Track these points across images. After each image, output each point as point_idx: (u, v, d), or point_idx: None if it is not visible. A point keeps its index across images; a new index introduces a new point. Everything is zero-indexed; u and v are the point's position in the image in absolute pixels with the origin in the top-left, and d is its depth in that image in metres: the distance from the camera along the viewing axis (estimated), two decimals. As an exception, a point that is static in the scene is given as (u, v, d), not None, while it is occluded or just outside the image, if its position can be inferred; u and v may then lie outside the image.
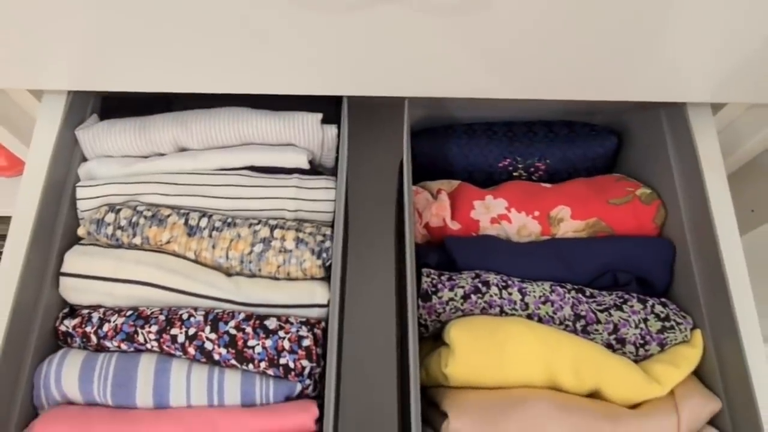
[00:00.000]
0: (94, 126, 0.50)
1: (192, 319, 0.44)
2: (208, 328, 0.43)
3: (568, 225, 0.52)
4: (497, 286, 0.49)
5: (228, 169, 0.50)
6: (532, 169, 0.56)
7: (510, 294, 0.49)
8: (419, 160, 0.58)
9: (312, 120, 0.50)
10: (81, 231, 0.48)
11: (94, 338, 0.44)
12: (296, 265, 0.46)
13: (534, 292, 0.49)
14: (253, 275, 0.47)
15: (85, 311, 0.46)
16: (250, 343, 0.43)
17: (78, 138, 0.49)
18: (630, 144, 0.58)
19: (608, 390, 0.44)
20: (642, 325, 0.46)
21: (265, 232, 0.47)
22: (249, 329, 0.43)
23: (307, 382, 0.44)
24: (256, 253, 0.46)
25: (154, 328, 0.43)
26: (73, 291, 0.46)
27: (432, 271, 0.50)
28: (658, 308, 0.47)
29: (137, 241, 0.47)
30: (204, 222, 0.47)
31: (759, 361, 0.43)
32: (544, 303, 0.48)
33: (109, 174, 0.49)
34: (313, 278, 0.48)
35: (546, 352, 0.44)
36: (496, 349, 0.44)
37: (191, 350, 0.43)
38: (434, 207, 0.53)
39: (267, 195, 0.49)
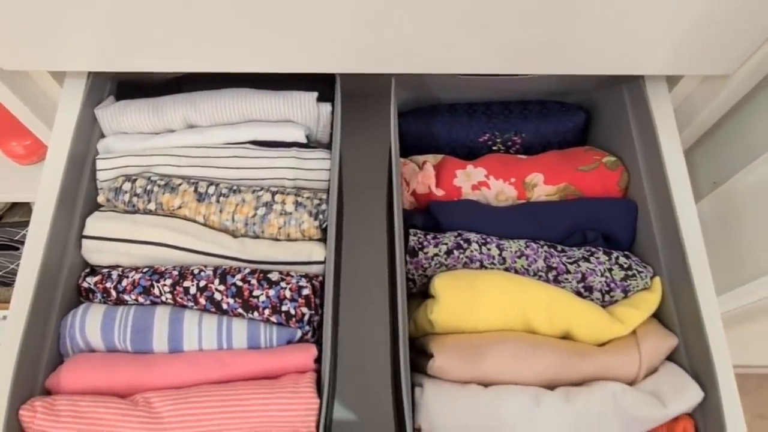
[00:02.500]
0: (111, 106, 0.55)
1: (202, 273, 0.49)
2: (217, 281, 0.48)
3: (541, 189, 0.57)
4: (477, 243, 0.54)
5: (233, 144, 0.55)
6: (509, 143, 0.62)
7: (489, 250, 0.54)
8: (407, 137, 0.63)
9: (308, 98, 0.55)
10: (101, 198, 0.53)
11: (113, 293, 0.49)
12: (296, 227, 0.51)
13: (510, 247, 0.54)
14: (256, 236, 0.52)
15: (105, 270, 0.51)
16: (255, 293, 0.48)
17: (97, 116, 0.55)
18: (598, 120, 0.64)
19: (577, 331, 0.49)
20: (607, 274, 0.51)
21: (267, 197, 0.52)
22: (254, 281, 0.48)
23: (307, 328, 0.48)
24: (259, 216, 0.51)
25: (168, 282, 0.48)
26: (95, 252, 0.51)
27: (418, 231, 0.55)
28: (622, 259, 0.52)
29: (152, 207, 0.52)
30: (212, 189, 0.52)
31: (709, 303, 0.48)
32: (519, 257, 0.53)
33: (125, 148, 0.54)
34: (311, 239, 0.53)
35: (521, 298, 0.49)
36: (477, 296, 0.49)
37: (202, 301, 0.48)
38: (420, 176, 0.58)
39: (268, 165, 0.54)
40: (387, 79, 0.54)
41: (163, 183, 0.52)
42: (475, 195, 0.58)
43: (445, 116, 0.62)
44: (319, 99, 0.56)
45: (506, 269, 0.52)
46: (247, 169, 0.54)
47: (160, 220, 0.51)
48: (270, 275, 0.49)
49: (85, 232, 0.51)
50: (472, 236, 0.55)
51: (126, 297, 0.49)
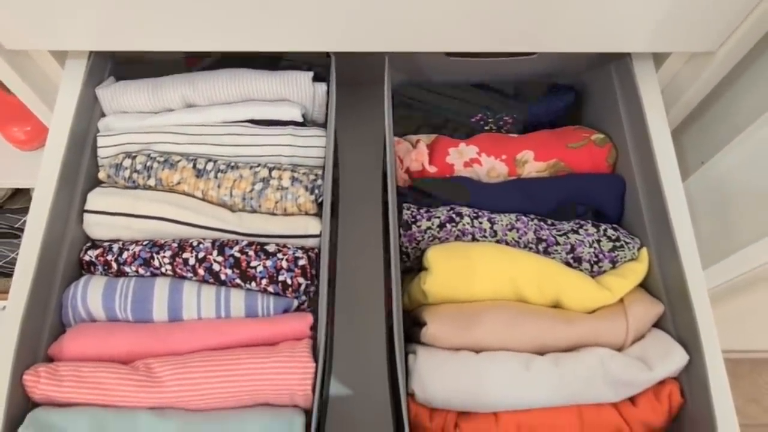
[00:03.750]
0: (112, 86, 0.56)
1: (201, 245, 0.50)
2: (215, 252, 0.49)
3: (532, 166, 0.58)
4: (469, 216, 0.55)
5: (230, 122, 0.56)
6: (501, 123, 0.63)
7: (480, 223, 0.55)
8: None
9: (304, 78, 0.57)
10: (101, 175, 0.54)
11: (114, 265, 0.50)
12: (292, 201, 0.53)
13: (501, 221, 0.55)
14: (254, 211, 0.54)
15: (106, 243, 0.52)
16: (253, 263, 0.49)
17: (98, 96, 0.56)
18: (588, 100, 0.65)
19: (566, 299, 0.50)
20: (595, 245, 0.52)
21: (264, 173, 0.53)
22: (251, 252, 0.49)
23: (303, 298, 0.50)
24: (256, 191, 0.53)
25: (168, 253, 0.50)
26: (96, 226, 0.52)
27: (412, 205, 0.56)
28: (610, 231, 0.53)
29: (151, 182, 0.53)
30: (210, 166, 0.54)
31: (695, 273, 0.49)
32: (510, 230, 0.55)
33: (125, 126, 0.55)
34: (307, 213, 0.54)
35: (512, 268, 0.50)
36: (469, 267, 0.50)
37: (201, 271, 0.49)
38: (414, 153, 0.60)
39: (265, 143, 0.55)
40: (381, 63, 0.55)
41: (162, 159, 0.54)
42: (467, 172, 0.60)
43: (441, 91, 0.64)
44: (315, 80, 0.57)
45: (497, 242, 0.54)
46: (245, 147, 0.55)
47: (160, 195, 0.53)
48: (267, 247, 0.50)
49: (87, 207, 0.52)
50: (465, 210, 0.56)
51: (126, 269, 0.50)
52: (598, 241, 0.53)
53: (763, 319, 0.91)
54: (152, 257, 0.50)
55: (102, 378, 0.44)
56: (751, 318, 0.90)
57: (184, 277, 0.50)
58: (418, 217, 0.56)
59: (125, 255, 0.50)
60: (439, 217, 0.56)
